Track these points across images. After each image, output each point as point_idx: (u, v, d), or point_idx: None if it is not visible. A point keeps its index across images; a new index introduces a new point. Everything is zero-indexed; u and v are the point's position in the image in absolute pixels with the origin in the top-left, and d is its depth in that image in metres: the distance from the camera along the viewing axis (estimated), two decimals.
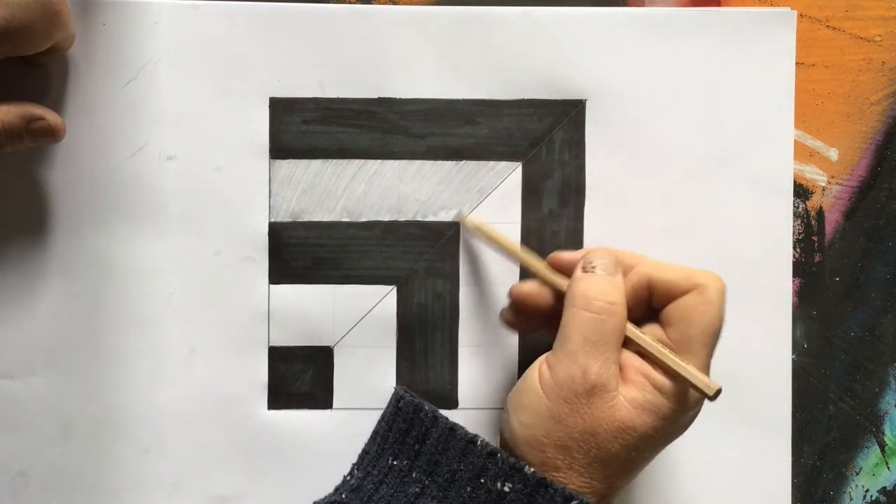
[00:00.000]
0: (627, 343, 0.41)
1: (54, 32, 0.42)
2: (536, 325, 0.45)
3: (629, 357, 0.40)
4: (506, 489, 0.39)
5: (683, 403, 0.40)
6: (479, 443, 0.40)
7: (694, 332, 0.40)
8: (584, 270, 0.42)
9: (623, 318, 0.40)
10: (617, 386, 0.39)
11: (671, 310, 0.41)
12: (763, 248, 0.48)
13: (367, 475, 0.42)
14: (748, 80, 0.48)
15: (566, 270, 0.43)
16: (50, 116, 0.44)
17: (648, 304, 0.42)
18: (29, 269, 0.47)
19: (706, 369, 0.40)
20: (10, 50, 0.41)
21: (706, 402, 0.40)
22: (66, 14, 0.43)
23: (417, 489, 0.40)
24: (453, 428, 0.41)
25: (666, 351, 0.40)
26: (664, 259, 0.48)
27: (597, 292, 0.40)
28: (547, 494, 0.38)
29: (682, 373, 0.39)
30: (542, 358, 0.41)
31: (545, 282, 0.44)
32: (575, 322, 0.40)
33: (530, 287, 0.44)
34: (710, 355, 0.40)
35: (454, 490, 0.40)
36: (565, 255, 0.44)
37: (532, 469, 0.39)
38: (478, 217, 0.47)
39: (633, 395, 0.39)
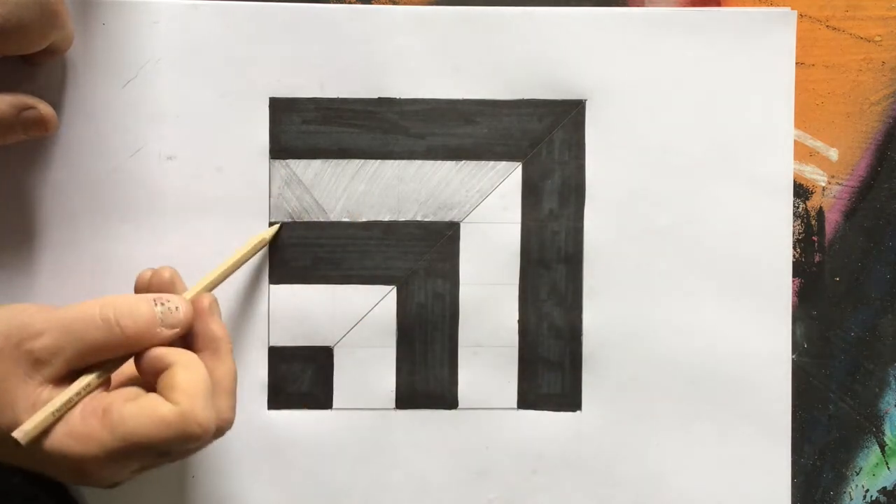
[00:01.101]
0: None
1: (51, 32, 0.42)
2: None
3: (102, 395, 0.39)
4: None
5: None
6: None
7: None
8: (154, 299, 0.40)
9: (113, 351, 0.39)
10: (39, 377, 0.37)
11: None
12: (763, 248, 0.48)
13: None
14: (748, 80, 0.48)
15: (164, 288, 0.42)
16: (42, 106, 0.44)
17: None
18: (28, 268, 0.47)
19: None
20: (7, 49, 0.41)
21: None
22: (64, 14, 0.43)
23: None
24: None
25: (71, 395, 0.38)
26: (663, 257, 0.48)
27: (128, 312, 0.39)
28: None
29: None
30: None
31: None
32: (83, 307, 0.38)
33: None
34: None
35: None
36: (174, 283, 0.42)
37: None
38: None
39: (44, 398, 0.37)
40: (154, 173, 0.47)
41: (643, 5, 0.48)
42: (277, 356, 0.47)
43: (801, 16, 0.48)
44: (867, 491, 0.49)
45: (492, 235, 0.48)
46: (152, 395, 0.38)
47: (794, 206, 0.48)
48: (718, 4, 0.48)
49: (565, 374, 0.48)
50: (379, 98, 0.47)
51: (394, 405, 0.48)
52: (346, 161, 0.48)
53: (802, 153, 0.49)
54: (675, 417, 0.48)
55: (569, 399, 0.48)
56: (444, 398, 0.48)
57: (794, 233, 0.48)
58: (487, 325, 0.48)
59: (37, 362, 0.37)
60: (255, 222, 0.47)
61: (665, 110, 0.48)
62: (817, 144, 0.49)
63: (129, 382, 0.41)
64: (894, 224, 0.49)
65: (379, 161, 0.48)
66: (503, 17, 0.47)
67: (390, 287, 0.48)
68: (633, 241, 0.48)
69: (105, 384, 0.40)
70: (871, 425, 0.49)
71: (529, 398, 0.48)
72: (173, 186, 0.47)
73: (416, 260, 0.48)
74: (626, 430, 0.48)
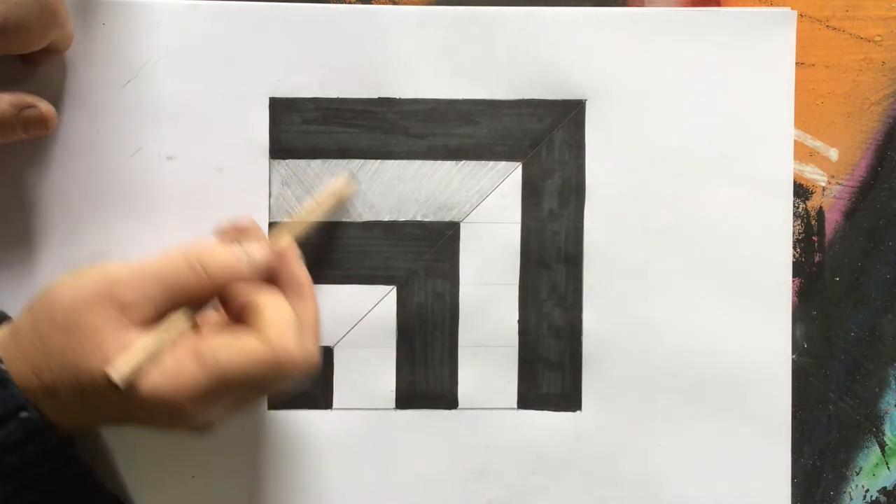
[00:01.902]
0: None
1: (51, 31, 0.42)
2: None
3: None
4: None
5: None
6: None
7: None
8: (233, 242, 0.41)
9: (199, 294, 0.39)
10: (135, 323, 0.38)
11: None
12: (763, 248, 0.48)
13: None
14: (748, 80, 0.48)
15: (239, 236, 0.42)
16: (42, 105, 0.44)
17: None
18: (28, 269, 0.47)
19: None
20: (7, 48, 0.41)
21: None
22: (64, 14, 0.43)
23: None
24: None
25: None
26: (664, 257, 0.48)
27: (209, 254, 0.40)
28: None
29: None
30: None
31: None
32: (167, 255, 0.39)
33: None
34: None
35: None
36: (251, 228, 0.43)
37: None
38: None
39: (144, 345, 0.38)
40: (154, 173, 0.47)
41: (643, 5, 0.48)
42: None
43: (801, 16, 0.48)
44: (867, 491, 0.49)
45: (492, 235, 0.48)
46: (243, 332, 0.39)
47: (794, 206, 0.48)
48: (718, 4, 0.48)
49: (565, 374, 0.48)
50: (379, 98, 0.47)
51: (394, 405, 0.48)
52: (346, 161, 0.48)
53: (802, 153, 0.49)
54: (675, 417, 0.48)
55: (569, 399, 0.48)
56: (444, 398, 0.48)
57: (794, 233, 0.48)
58: (487, 325, 0.48)
59: (125, 307, 0.38)
60: None
61: (665, 110, 0.48)
62: (817, 144, 0.49)
63: (217, 325, 0.41)
64: (894, 224, 0.49)
65: (379, 161, 0.48)
66: (503, 17, 0.47)
67: (390, 287, 0.48)
68: (633, 241, 0.48)
69: (194, 327, 0.40)
70: (871, 425, 0.49)
71: (529, 398, 0.48)
72: (173, 186, 0.47)
73: (416, 260, 0.48)
74: (626, 430, 0.48)
